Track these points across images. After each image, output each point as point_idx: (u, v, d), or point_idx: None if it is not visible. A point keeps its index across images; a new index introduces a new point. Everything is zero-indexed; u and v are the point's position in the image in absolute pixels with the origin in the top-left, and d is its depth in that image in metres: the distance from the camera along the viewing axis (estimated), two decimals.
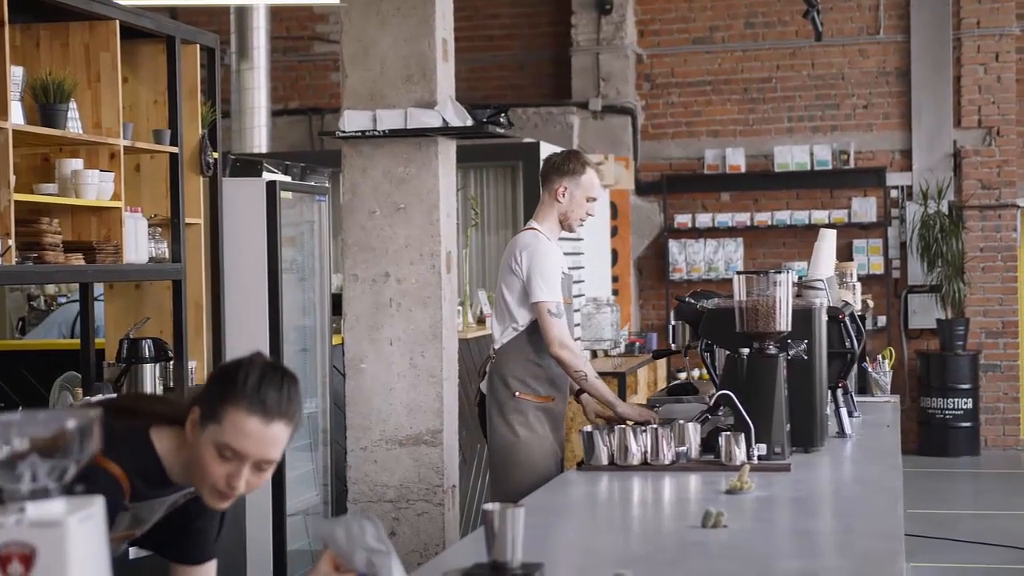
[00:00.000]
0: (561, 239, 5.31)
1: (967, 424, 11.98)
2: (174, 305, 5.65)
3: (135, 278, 5.62)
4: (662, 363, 11.11)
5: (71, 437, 1.83)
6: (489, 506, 2.68)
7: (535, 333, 5.11)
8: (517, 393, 5.14)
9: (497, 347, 5.23)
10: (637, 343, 11.26)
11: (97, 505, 1.82)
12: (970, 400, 11.97)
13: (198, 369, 5.89)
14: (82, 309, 5.80)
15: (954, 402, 11.94)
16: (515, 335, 5.16)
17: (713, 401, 4.36)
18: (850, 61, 12.57)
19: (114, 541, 2.61)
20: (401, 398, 5.67)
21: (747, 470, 3.85)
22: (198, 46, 5.93)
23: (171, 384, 5.67)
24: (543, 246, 5.14)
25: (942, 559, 8.14)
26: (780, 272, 4.39)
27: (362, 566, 2.49)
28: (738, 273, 4.42)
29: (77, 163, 5.11)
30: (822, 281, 5.16)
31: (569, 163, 5.25)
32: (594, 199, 5.28)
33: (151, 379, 5.53)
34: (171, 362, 5.63)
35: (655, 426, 4.26)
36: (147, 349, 5.49)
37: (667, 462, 4.18)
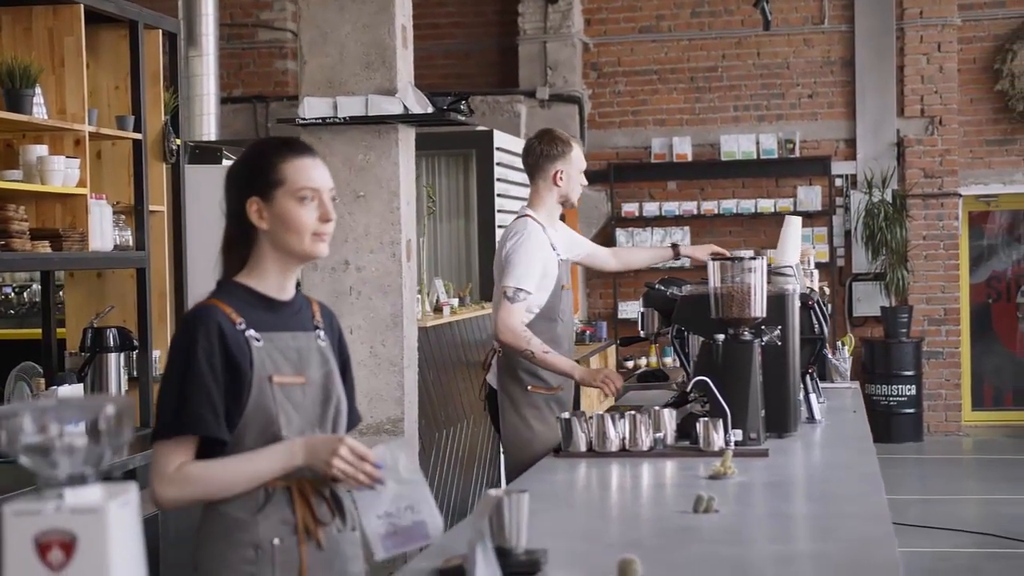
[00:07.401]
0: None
1: (910, 410, 12.14)
2: (138, 293, 5.57)
3: (100, 266, 5.54)
4: (611, 351, 11.16)
5: (108, 422, 1.81)
6: (494, 492, 2.68)
7: (541, 323, 5.07)
8: (529, 387, 5.11)
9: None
10: (588, 331, 11.30)
11: (132, 491, 1.81)
12: (913, 387, 12.12)
13: (163, 358, 5.83)
14: (43, 297, 5.71)
15: (898, 388, 12.09)
16: None
17: (690, 387, 4.37)
18: (795, 50, 12.66)
19: (288, 387, 2.80)
20: (362, 386, 5.58)
21: (730, 455, 3.87)
22: (160, 31, 5.86)
23: (135, 374, 5.60)
24: (533, 236, 5.10)
25: None
26: (755, 258, 4.40)
27: (387, 502, 2.54)
28: (713, 259, 4.43)
29: (42, 149, 5.03)
30: (791, 267, 5.19)
31: (557, 146, 5.29)
32: (584, 168, 5.41)
33: (115, 368, 5.45)
34: (135, 351, 5.56)
35: (632, 412, 4.26)
36: (112, 338, 5.41)
37: (645, 449, 4.19)
